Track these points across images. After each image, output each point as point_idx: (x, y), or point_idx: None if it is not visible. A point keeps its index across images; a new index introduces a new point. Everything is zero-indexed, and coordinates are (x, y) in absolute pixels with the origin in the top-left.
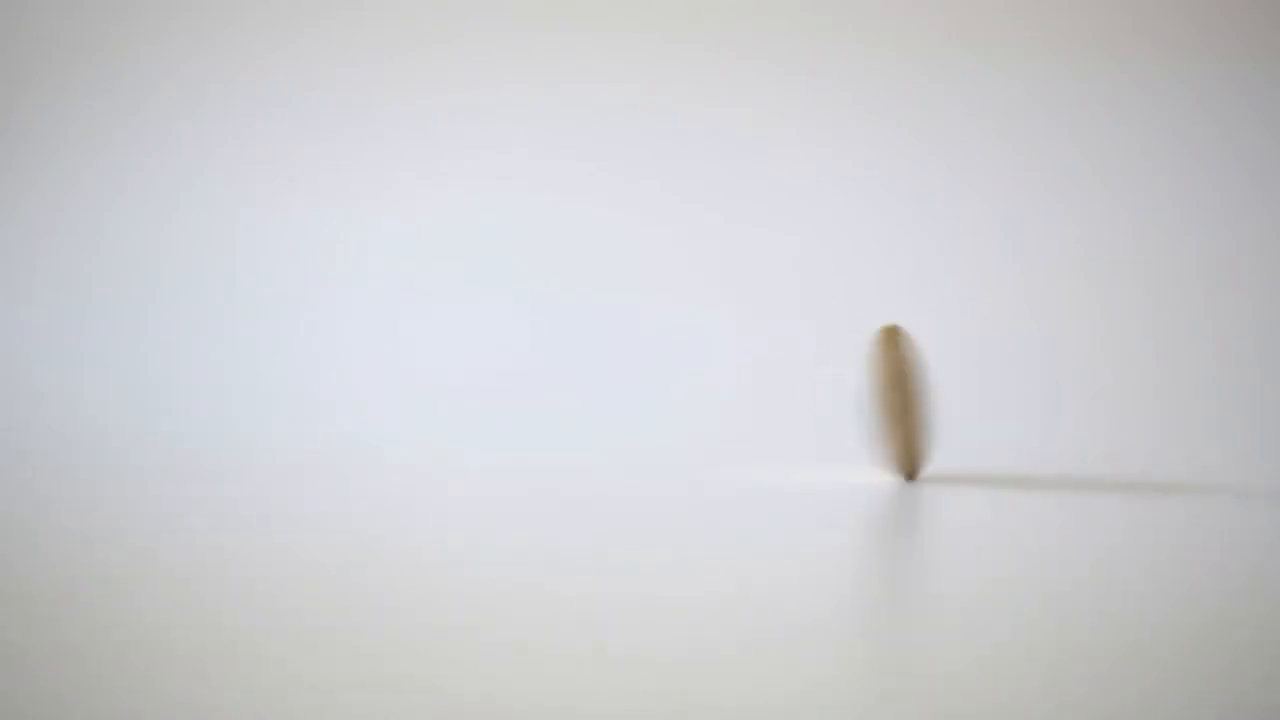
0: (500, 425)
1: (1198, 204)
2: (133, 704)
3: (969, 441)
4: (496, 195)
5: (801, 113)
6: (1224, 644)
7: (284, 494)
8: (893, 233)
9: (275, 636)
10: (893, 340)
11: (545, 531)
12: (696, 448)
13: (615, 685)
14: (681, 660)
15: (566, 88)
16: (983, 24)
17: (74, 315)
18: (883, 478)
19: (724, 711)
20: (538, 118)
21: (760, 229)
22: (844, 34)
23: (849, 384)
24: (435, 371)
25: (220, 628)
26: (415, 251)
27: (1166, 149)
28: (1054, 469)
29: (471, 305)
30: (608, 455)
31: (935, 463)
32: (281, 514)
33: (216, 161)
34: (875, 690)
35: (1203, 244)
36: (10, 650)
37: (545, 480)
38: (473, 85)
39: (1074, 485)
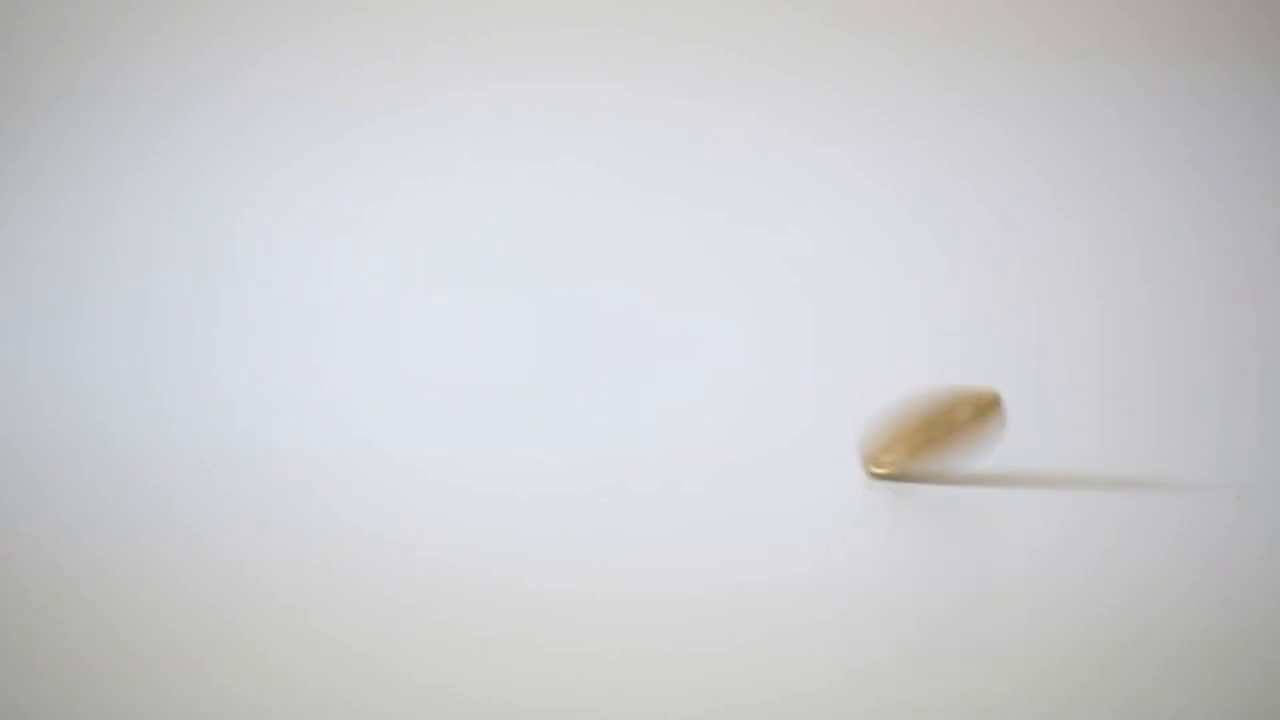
0: (502, 425)
1: (1198, 204)
2: (133, 704)
3: None
4: (498, 196)
5: (803, 114)
6: (1221, 644)
7: (285, 493)
8: (893, 232)
9: (276, 635)
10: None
11: (546, 530)
12: (697, 448)
13: (616, 685)
14: (681, 659)
15: (569, 88)
16: (985, 25)
17: (74, 315)
18: (882, 476)
19: (724, 711)
20: (539, 118)
21: (762, 229)
22: (847, 35)
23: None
24: (437, 371)
25: (220, 626)
26: (417, 251)
27: (1167, 149)
28: (1053, 468)
29: (472, 306)
30: (609, 455)
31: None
32: (282, 513)
33: (217, 161)
34: (875, 689)
35: (1203, 244)
36: (11, 650)
37: (547, 479)
38: (474, 86)
39: (1073, 483)
